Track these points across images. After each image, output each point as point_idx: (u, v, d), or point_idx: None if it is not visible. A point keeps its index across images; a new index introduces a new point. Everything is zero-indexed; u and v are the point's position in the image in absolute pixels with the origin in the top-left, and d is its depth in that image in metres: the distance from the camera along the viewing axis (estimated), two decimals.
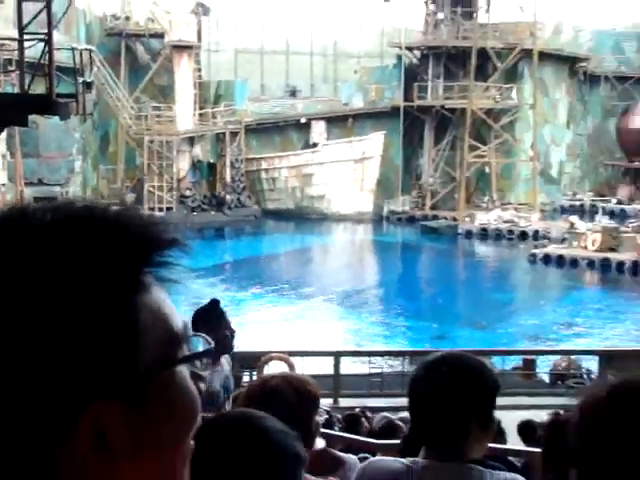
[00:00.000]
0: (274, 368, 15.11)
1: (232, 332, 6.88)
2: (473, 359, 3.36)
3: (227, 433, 2.25)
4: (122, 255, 0.89)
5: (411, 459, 3.11)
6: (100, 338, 0.81)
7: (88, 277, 0.82)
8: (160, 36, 56.40)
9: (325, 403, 13.79)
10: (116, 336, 0.83)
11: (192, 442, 1.03)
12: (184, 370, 0.98)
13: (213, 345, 1.12)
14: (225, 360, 7.22)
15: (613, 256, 45.41)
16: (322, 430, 5.25)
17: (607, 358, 19.17)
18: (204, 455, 2.07)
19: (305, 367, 17.03)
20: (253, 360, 16.46)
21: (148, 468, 0.91)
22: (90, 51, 35.96)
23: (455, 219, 55.71)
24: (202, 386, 2.17)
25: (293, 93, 62.80)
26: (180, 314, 0.98)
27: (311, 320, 36.11)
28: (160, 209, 53.13)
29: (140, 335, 0.87)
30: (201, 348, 1.03)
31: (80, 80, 21.07)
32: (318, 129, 58.67)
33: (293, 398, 3.30)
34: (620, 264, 44.83)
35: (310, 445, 3.53)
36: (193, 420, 0.97)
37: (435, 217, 56.90)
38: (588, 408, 2.03)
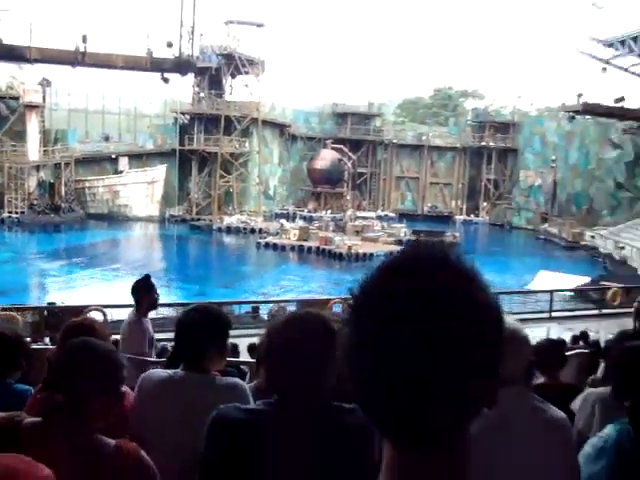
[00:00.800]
0: (93, 315, 13.95)
1: (158, 295, 6.68)
2: (215, 307, 3.31)
3: (85, 352, 2.26)
4: None
5: (173, 370, 3.01)
6: None
7: None
8: (17, 98, 53.83)
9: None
10: None
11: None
12: None
13: None
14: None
15: (305, 244, 46.72)
16: None
17: (302, 304, 18.86)
18: (70, 367, 2.24)
19: (114, 315, 16.78)
20: (78, 310, 14.83)
21: None
22: None
23: (211, 220, 55.78)
24: None
25: (107, 138, 60.79)
26: None
27: (118, 285, 35.62)
28: (16, 212, 51.37)
29: None
30: None
31: None
32: (123, 162, 57.36)
33: (93, 332, 3.18)
34: (309, 249, 46.29)
35: None
36: None
37: (199, 219, 56.92)
38: (271, 330, 2.18)
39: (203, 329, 2.96)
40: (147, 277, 6.78)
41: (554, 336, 11.65)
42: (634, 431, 2.59)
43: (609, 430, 2.67)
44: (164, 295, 33.08)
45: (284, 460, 1.86)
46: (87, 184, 56.74)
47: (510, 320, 2.38)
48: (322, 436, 1.89)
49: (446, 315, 0.93)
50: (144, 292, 6.65)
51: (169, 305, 23.52)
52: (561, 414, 2.37)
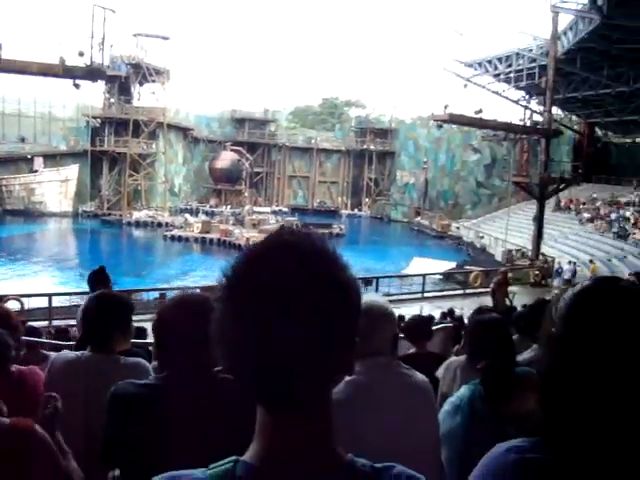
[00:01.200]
0: (10, 304, 13.58)
1: (112, 285, 6.50)
2: (118, 293, 3.30)
3: None
4: None
5: (81, 352, 2.96)
6: None
7: None
8: None
9: (43, 324, 13.63)
10: None
11: None
12: None
13: None
14: None
15: (208, 236, 46.18)
16: (33, 338, 5.35)
17: (204, 289, 19.01)
18: None
19: (31, 303, 16.65)
20: None
21: None
22: None
23: (121, 215, 54.26)
24: None
25: (23, 140, 58.16)
26: None
27: (35, 276, 34.53)
28: None
29: None
30: None
31: None
32: (38, 162, 54.84)
33: (8, 319, 3.19)
34: (211, 240, 45.70)
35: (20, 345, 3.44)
36: None
37: (109, 214, 55.18)
38: (160, 311, 2.19)
39: (107, 314, 2.93)
40: (102, 268, 6.60)
41: (426, 313, 11.99)
42: (484, 390, 2.68)
43: (464, 390, 2.76)
44: (79, 285, 32.33)
45: (176, 429, 1.85)
46: (4, 182, 54.08)
47: (379, 299, 2.43)
48: (210, 404, 1.89)
49: (310, 293, 0.94)
50: (99, 282, 6.40)
51: (81, 294, 23.09)
52: (423, 378, 2.42)
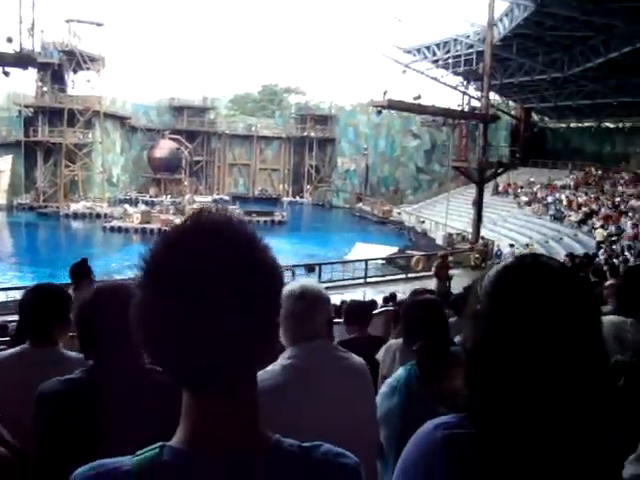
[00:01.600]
0: None
1: (94, 277, 6.36)
2: (54, 284, 3.17)
3: None
4: None
5: (20, 347, 2.83)
6: None
7: None
8: None
9: None
10: None
11: None
12: None
13: None
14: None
15: (148, 226, 45.49)
16: None
17: None
18: None
19: None
20: None
21: None
22: None
23: (58, 207, 52.82)
24: None
25: None
26: None
27: None
28: None
29: None
30: None
31: None
32: None
33: None
34: (151, 230, 44.61)
35: None
36: None
37: (46, 206, 53.62)
38: (81, 304, 2.16)
39: (45, 305, 2.84)
40: (84, 261, 6.52)
41: (369, 298, 12.10)
42: (419, 371, 2.73)
43: (400, 371, 2.82)
44: (16, 279, 31.55)
45: (105, 421, 1.82)
46: None
47: (313, 283, 2.44)
48: (138, 394, 1.87)
49: (229, 276, 0.93)
50: (81, 275, 6.37)
51: (19, 289, 22.53)
52: (360, 360, 2.44)
